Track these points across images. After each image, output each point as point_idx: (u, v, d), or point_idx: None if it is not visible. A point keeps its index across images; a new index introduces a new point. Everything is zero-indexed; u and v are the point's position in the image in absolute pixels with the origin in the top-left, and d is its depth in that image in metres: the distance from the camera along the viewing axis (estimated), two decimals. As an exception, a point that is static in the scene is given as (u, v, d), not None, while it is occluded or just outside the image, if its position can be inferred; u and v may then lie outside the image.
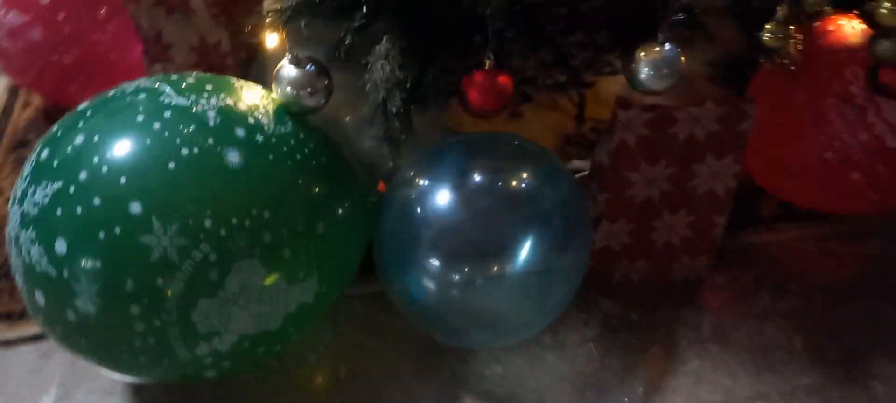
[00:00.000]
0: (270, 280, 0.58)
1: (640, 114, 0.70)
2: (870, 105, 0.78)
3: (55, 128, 0.59)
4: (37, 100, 1.03)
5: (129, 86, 0.61)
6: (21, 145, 0.95)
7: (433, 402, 0.74)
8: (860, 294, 0.86)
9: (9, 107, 1.00)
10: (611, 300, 0.84)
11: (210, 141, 0.57)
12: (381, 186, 0.75)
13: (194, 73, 0.65)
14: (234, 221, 0.55)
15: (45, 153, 0.57)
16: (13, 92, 1.03)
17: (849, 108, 0.79)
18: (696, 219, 0.79)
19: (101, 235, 0.53)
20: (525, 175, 0.69)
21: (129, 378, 0.64)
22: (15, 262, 0.57)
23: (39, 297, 0.56)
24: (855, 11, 0.70)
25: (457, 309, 0.70)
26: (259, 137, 0.59)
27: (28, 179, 0.57)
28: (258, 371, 0.74)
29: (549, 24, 0.66)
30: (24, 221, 0.55)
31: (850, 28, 0.77)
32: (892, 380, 0.78)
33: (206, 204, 0.55)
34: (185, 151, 0.55)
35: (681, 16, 0.64)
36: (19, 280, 0.58)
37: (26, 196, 0.56)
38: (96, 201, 0.53)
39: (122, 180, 0.54)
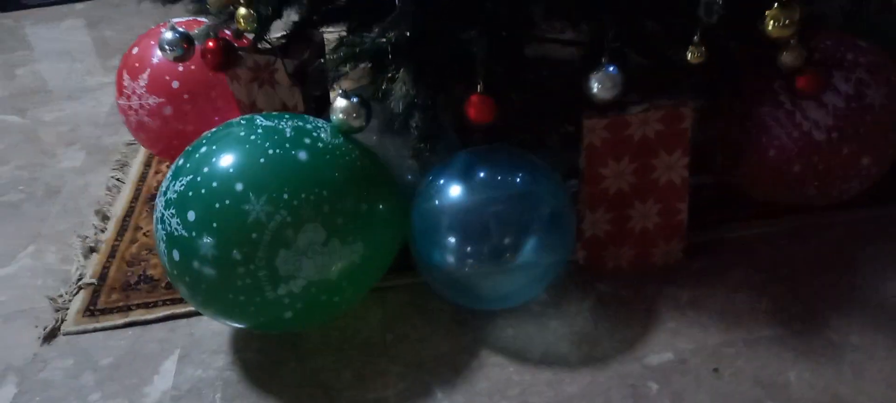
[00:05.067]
0: (328, 238, 0.82)
1: (600, 120, 0.93)
2: (796, 108, 0.98)
3: (187, 147, 0.88)
4: (164, 168, 1.36)
5: (234, 120, 0.89)
6: (153, 198, 1.26)
7: (459, 358, 0.94)
8: (821, 270, 1.02)
9: (144, 174, 1.33)
10: (605, 283, 1.04)
11: (287, 145, 0.84)
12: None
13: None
14: (303, 196, 0.81)
15: (180, 160, 0.86)
16: (147, 163, 1.36)
17: (781, 112, 0.99)
18: (662, 207, 0.99)
19: (217, 205, 0.80)
20: (519, 177, 0.92)
21: (231, 323, 0.88)
22: (159, 234, 0.85)
23: (176, 254, 0.83)
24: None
25: (470, 276, 0.92)
26: (320, 145, 0.86)
27: (170, 177, 0.85)
28: (324, 332, 0.97)
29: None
30: (167, 203, 0.83)
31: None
32: (845, 330, 0.93)
33: (285, 184, 0.81)
34: (271, 151, 0.83)
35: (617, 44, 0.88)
36: (162, 246, 0.85)
37: (169, 188, 0.84)
38: (214, 184, 0.81)
39: (231, 170, 0.81)
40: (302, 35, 1.16)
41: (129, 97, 1.20)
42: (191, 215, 0.81)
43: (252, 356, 0.96)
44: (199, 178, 0.82)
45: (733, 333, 0.94)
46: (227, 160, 0.82)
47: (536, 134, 1.24)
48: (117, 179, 1.32)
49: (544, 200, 0.92)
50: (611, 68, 0.88)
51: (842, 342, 0.91)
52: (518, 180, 0.92)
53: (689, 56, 0.91)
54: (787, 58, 0.91)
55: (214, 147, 0.84)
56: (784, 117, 0.99)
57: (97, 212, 1.23)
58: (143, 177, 1.33)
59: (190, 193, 0.82)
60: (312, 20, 1.14)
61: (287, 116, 0.90)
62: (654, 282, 1.03)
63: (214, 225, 0.80)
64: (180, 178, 0.83)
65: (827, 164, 0.98)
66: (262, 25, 0.97)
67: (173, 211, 0.82)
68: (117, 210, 1.24)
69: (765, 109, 1.00)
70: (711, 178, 1.13)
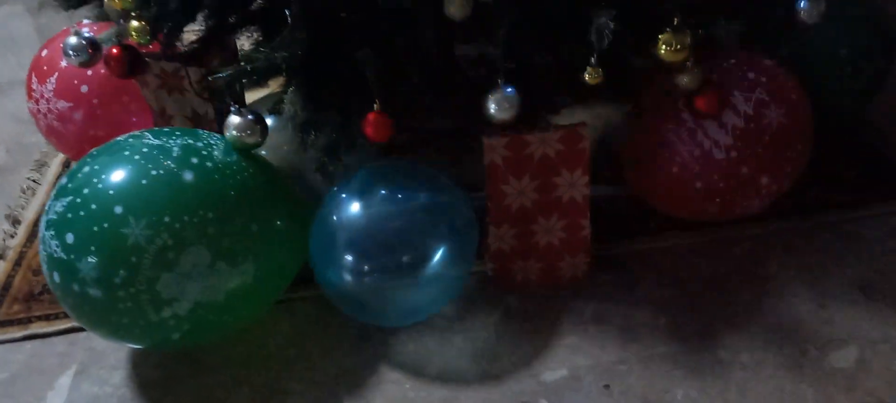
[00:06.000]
0: (214, 261, 0.82)
1: (499, 139, 0.92)
2: (698, 126, 0.98)
3: (73, 165, 0.86)
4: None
5: (123, 136, 0.88)
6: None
7: (359, 375, 0.94)
8: (723, 286, 1.03)
9: (62, 175, 1.31)
10: (513, 296, 1.04)
11: (172, 165, 0.82)
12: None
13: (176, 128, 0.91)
14: (186, 218, 0.80)
15: (64, 179, 0.84)
16: (67, 163, 1.33)
17: (683, 130, 0.99)
18: (566, 223, 0.99)
19: (96, 228, 0.79)
20: (420, 191, 0.92)
21: (119, 342, 0.88)
22: (42, 255, 0.83)
23: (56, 276, 0.81)
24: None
25: (365, 292, 0.91)
26: (209, 164, 0.85)
27: (52, 196, 0.83)
28: (227, 346, 0.97)
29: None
30: (48, 224, 0.82)
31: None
32: (736, 349, 0.94)
33: (167, 207, 0.80)
34: (154, 171, 0.81)
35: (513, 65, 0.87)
36: (44, 267, 0.83)
37: (52, 207, 0.82)
38: (93, 206, 0.79)
39: (111, 192, 0.80)
40: (215, 41, 1.14)
41: (37, 101, 1.17)
42: (69, 237, 0.80)
43: (150, 371, 0.95)
44: (78, 200, 0.80)
45: (629, 349, 0.95)
46: (108, 181, 0.81)
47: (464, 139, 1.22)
48: (33, 181, 1.30)
49: (444, 214, 0.91)
50: (508, 89, 0.88)
51: (731, 360, 0.92)
52: (418, 194, 0.91)
53: (586, 77, 0.90)
54: (683, 80, 0.91)
55: (97, 167, 0.83)
56: (686, 135, 0.99)
57: (7, 216, 1.21)
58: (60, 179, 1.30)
59: (69, 215, 0.80)
60: (225, 26, 1.12)
61: (178, 132, 0.88)
62: (561, 296, 1.03)
63: (93, 248, 0.79)
64: (61, 199, 0.82)
65: (727, 183, 0.99)
66: (170, 33, 0.95)
67: (53, 233, 0.81)
68: (29, 214, 1.22)
69: (668, 126, 1.00)
70: (622, 191, 1.13)
